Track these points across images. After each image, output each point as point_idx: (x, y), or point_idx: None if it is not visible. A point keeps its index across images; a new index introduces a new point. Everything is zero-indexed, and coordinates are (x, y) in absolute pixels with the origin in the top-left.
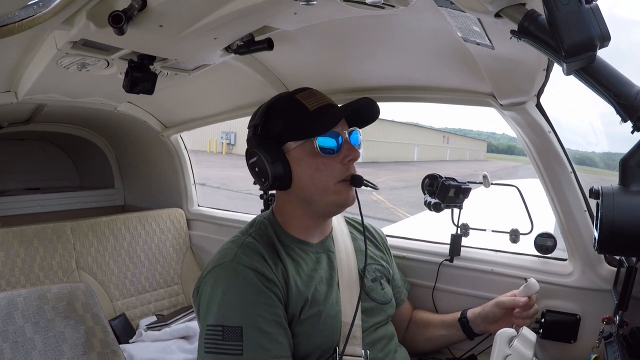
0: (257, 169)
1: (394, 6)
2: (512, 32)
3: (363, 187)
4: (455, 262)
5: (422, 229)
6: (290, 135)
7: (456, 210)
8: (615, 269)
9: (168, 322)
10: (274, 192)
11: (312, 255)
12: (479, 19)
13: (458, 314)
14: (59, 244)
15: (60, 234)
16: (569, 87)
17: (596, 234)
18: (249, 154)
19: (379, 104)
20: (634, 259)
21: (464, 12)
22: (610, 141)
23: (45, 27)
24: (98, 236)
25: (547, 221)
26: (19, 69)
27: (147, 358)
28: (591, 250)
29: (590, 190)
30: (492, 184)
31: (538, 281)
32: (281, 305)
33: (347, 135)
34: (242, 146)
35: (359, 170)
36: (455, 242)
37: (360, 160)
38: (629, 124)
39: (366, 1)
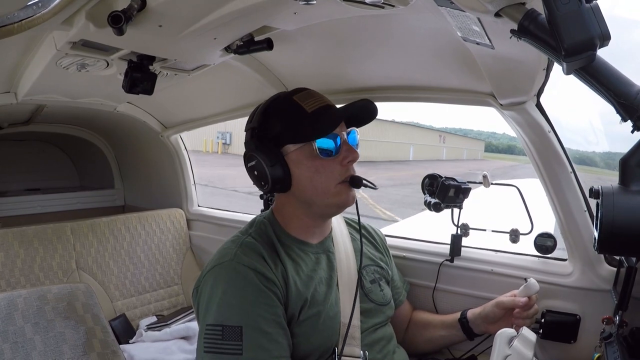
0: (256, 173)
1: (393, 6)
2: (512, 31)
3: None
4: (456, 262)
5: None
6: (289, 138)
7: (456, 210)
8: (615, 269)
9: (168, 323)
10: None
11: (311, 256)
12: (478, 19)
13: (458, 315)
14: (59, 244)
15: (60, 234)
16: (570, 87)
17: (596, 234)
18: (247, 158)
19: (378, 104)
20: (633, 259)
21: (463, 11)
22: (611, 141)
23: (45, 27)
24: (98, 236)
25: (547, 221)
26: (19, 70)
27: (147, 358)
28: (591, 250)
29: (590, 190)
30: (492, 183)
31: (538, 281)
32: (281, 305)
33: (345, 136)
34: (237, 146)
35: None
36: (456, 242)
37: None
38: (629, 123)
39: (366, 1)
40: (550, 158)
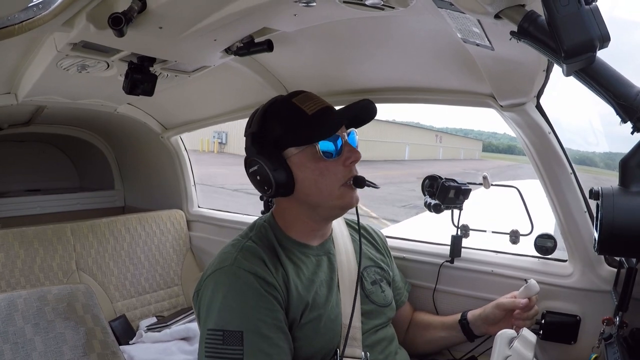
0: (258, 177)
1: (393, 7)
2: (512, 33)
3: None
4: (456, 263)
5: None
6: (291, 141)
7: (456, 212)
8: (615, 270)
9: (168, 324)
10: None
11: (312, 258)
12: (478, 20)
13: (458, 316)
14: (59, 245)
15: (60, 235)
16: (570, 88)
17: (596, 235)
18: (249, 163)
19: (378, 105)
20: (634, 259)
21: (463, 13)
22: (611, 141)
23: (45, 29)
24: (98, 237)
25: (547, 222)
26: (19, 71)
27: (147, 359)
28: (591, 251)
29: (590, 191)
30: (492, 185)
31: (538, 282)
32: (282, 310)
33: (346, 137)
34: (233, 145)
35: None
36: (456, 244)
37: None
38: (629, 124)
39: (366, 2)
40: (550, 159)
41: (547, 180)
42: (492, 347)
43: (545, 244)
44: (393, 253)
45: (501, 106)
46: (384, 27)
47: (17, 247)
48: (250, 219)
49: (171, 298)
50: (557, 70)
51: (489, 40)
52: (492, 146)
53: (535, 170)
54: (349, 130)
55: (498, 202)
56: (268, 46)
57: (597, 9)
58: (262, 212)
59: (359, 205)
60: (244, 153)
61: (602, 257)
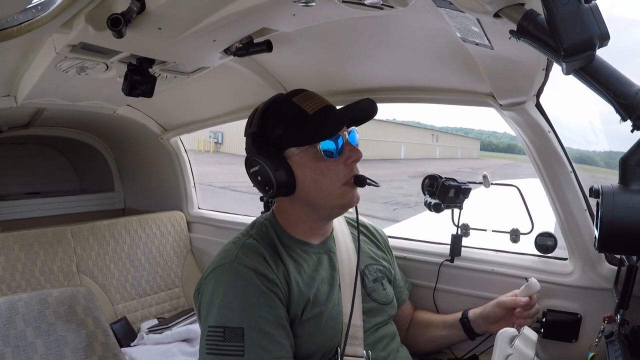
0: (259, 178)
1: (392, 7)
2: (511, 32)
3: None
4: (456, 262)
5: None
6: (292, 141)
7: (456, 211)
8: (615, 267)
9: (169, 325)
10: None
11: (313, 256)
12: (477, 19)
13: (459, 314)
14: (59, 247)
15: (60, 238)
16: (569, 87)
17: (596, 233)
18: (249, 163)
19: (378, 105)
20: (634, 257)
21: (462, 12)
22: (611, 140)
23: (44, 30)
24: (98, 240)
25: (547, 221)
26: (18, 73)
27: None
28: (592, 249)
29: (590, 190)
30: (492, 184)
31: (539, 281)
32: (282, 306)
33: (347, 136)
34: (228, 145)
35: None
36: (456, 243)
37: None
38: (629, 123)
39: (365, 2)
40: (550, 158)
41: (547, 179)
42: (493, 345)
43: (545, 243)
44: (393, 252)
45: (501, 105)
46: (383, 27)
47: (18, 250)
48: (250, 220)
49: (172, 300)
50: (556, 69)
51: (488, 39)
52: (492, 145)
53: (535, 169)
54: (349, 129)
55: (498, 201)
56: (267, 46)
57: (596, 8)
58: (262, 212)
59: None
60: (239, 152)
61: (603, 255)
